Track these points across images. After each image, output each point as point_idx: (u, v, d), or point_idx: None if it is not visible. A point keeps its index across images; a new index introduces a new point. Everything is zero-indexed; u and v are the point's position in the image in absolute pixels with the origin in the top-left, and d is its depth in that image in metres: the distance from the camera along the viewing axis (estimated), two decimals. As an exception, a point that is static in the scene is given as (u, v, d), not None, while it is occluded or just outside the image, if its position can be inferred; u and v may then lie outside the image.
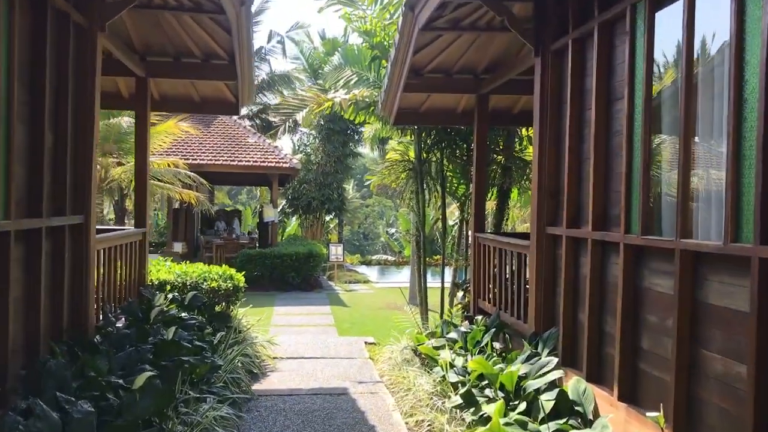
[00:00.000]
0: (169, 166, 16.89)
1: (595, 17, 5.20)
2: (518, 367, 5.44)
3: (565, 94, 5.82)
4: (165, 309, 7.23)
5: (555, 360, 5.42)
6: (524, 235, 8.09)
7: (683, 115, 3.95)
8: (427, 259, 21.78)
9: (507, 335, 6.88)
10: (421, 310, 10.35)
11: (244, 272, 18.41)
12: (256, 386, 7.03)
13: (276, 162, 20.78)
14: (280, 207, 28.12)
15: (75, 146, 5.61)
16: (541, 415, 4.78)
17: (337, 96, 9.66)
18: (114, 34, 6.99)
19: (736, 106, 3.48)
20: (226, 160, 20.54)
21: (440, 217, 10.89)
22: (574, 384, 5.06)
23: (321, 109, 9.80)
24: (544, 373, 5.37)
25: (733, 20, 3.51)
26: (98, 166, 15.70)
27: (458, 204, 10.73)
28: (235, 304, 8.66)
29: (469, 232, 10.69)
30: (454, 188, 10.59)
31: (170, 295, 7.91)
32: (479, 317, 7.36)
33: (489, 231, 9.85)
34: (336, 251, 23.39)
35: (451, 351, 6.77)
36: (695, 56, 3.98)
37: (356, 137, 28.77)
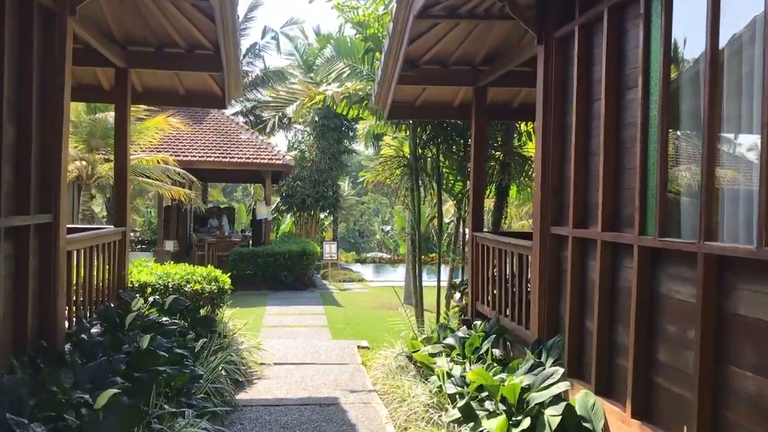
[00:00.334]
0: (158, 162, 16.46)
1: (604, 0, 4.80)
2: (521, 379, 5.03)
3: (571, 84, 5.42)
4: (144, 313, 6.81)
5: (560, 370, 5.03)
6: (525, 235, 7.69)
7: (707, 104, 3.55)
8: (423, 257, 21.44)
9: (508, 342, 6.48)
10: (417, 311, 9.95)
11: (235, 271, 18.35)
12: (240, 396, 6.62)
13: (269, 159, 20.35)
14: (275, 204, 27.72)
15: (42, 140, 5.19)
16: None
17: (330, 89, 9.24)
18: (90, 21, 6.58)
19: (771, 92, 3.08)
20: (218, 157, 20.10)
21: (436, 214, 10.49)
22: (583, 398, 4.66)
23: (313, 102, 9.39)
24: (549, 385, 4.98)
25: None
26: (84, 162, 15.35)
27: (455, 201, 10.33)
28: (220, 307, 8.24)
29: (466, 231, 10.30)
30: (450, 185, 10.19)
31: (151, 298, 7.48)
32: (478, 322, 6.95)
33: (487, 230, 9.46)
34: (330, 249, 23.00)
35: (448, 359, 6.37)
36: (720, 37, 3.57)
37: (351, 134, 28.40)
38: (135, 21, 7.16)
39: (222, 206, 33.41)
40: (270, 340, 10.23)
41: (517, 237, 7.36)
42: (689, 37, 4.01)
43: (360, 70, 10.02)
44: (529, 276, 6.28)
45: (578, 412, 4.58)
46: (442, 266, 10.43)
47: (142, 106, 15.74)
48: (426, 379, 6.36)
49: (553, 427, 4.47)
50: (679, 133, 4.16)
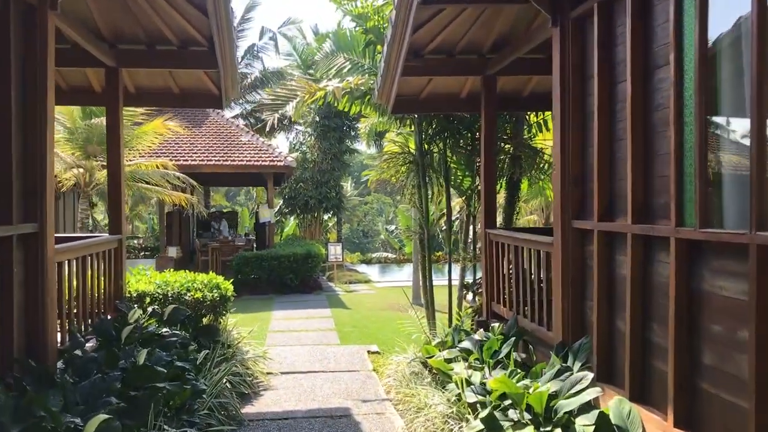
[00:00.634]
0: (157, 167, 16.13)
1: (627, -27, 4.42)
2: (548, 386, 4.65)
3: (591, 67, 5.04)
4: (143, 325, 6.45)
5: (590, 375, 4.65)
6: (542, 231, 7.34)
7: (755, 79, 3.16)
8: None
9: (529, 345, 6.09)
10: (428, 313, 9.58)
11: (240, 275, 18.02)
12: (246, 409, 6.26)
13: (270, 160, 20.01)
14: (277, 207, 27.39)
15: (24, 144, 4.83)
16: (580, 444, 4.02)
17: (330, 85, 8.86)
18: (76, 17, 6.22)
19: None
20: (219, 160, 19.77)
21: (444, 212, 10.12)
22: (617, 405, 4.27)
23: (313, 99, 9.01)
24: (579, 392, 4.60)
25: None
26: (82, 170, 15.02)
27: (463, 198, 9.95)
28: (223, 315, 7.86)
29: (475, 228, 9.93)
30: (458, 181, 9.80)
31: (150, 308, 7.12)
32: (496, 324, 6.57)
33: (499, 226, 9.07)
34: (335, 251, 22.63)
35: (466, 364, 5.99)
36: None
37: (352, 133, 28.10)
38: (124, 17, 6.81)
39: (225, 210, 33.10)
40: (277, 347, 9.88)
41: (533, 233, 6.99)
42: (729, 4, 3.63)
43: (361, 65, 9.64)
44: (549, 274, 5.90)
45: (613, 421, 4.19)
46: (452, 265, 10.04)
47: (139, 110, 15.45)
48: (443, 387, 5.98)
49: (587, 439, 4.10)
50: (719, 112, 3.77)
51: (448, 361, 6.26)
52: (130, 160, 16.12)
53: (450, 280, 9.51)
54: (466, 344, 6.56)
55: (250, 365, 7.21)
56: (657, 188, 4.18)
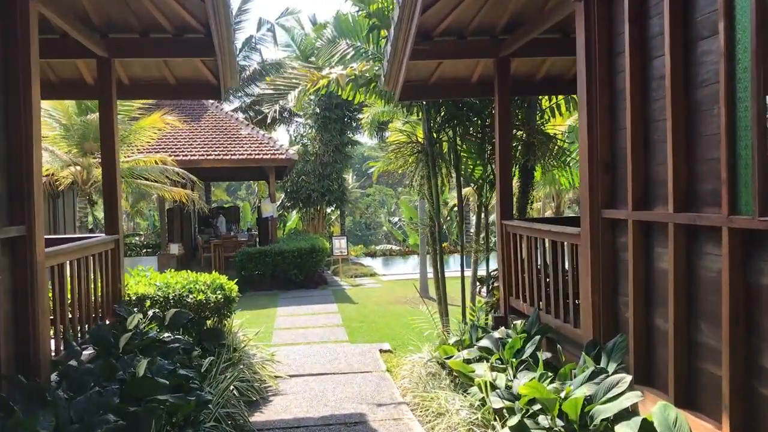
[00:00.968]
0: (156, 163, 15.74)
1: (663, -63, 4.01)
2: (583, 391, 4.28)
3: (621, 42, 4.64)
4: (143, 330, 6.08)
5: (627, 378, 4.26)
6: (559, 221, 6.96)
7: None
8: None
9: (557, 344, 5.68)
10: (440, 308, 9.20)
11: (244, 272, 17.66)
12: (255, 417, 5.89)
13: (271, 154, 19.62)
14: (279, 201, 27.05)
15: (6, 140, 4.45)
16: (624, 457, 3.64)
17: (334, 72, 8.46)
18: (64, 6, 5.81)
19: None
20: (219, 155, 19.38)
21: (456, 203, 9.73)
22: (661, 411, 3.89)
23: (316, 88, 8.62)
24: (616, 396, 4.22)
25: None
26: (79, 167, 14.63)
27: (474, 188, 9.54)
28: (228, 317, 7.48)
29: (487, 218, 9.54)
30: (469, 170, 9.41)
31: (151, 312, 6.75)
32: (518, 322, 6.18)
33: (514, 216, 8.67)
34: (340, 244, 22.29)
35: (487, 364, 5.61)
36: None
37: (354, 124, 27.75)
38: (115, 4, 6.39)
39: (226, 205, 32.77)
40: (284, 347, 9.54)
41: (553, 223, 6.61)
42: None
43: (365, 50, 9.23)
44: (576, 267, 5.52)
45: (658, 430, 3.82)
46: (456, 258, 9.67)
47: (136, 105, 15.10)
48: (464, 390, 5.61)
49: (631, 450, 3.73)
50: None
51: (468, 361, 5.88)
52: (128, 156, 15.75)
53: (463, 273, 9.13)
54: (485, 343, 6.18)
55: (257, 369, 6.85)
56: (703, 173, 3.79)
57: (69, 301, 5.65)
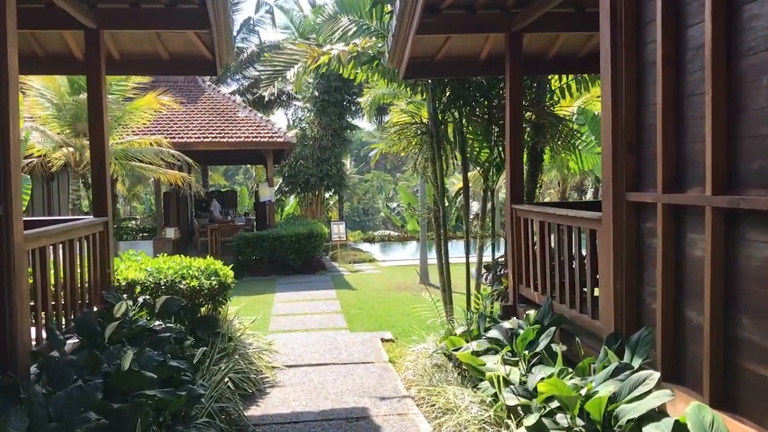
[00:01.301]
0: (151, 145, 15.34)
1: None
2: (608, 389, 3.93)
3: (651, 10, 4.26)
4: (132, 318, 5.72)
5: (656, 375, 3.93)
6: (578, 205, 6.61)
7: None
8: (430, 234, 20.38)
9: (574, 336, 5.33)
10: (444, 296, 8.85)
11: (241, 257, 17.34)
12: (251, 411, 5.56)
13: (269, 137, 19.22)
14: (277, 186, 26.69)
15: (-20, 111, 4.06)
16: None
17: (335, 48, 8.06)
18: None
19: None
20: (215, 137, 18.97)
21: (459, 187, 9.35)
22: (696, 412, 3.53)
23: (316, 65, 8.21)
24: (643, 394, 3.88)
25: None
26: (71, 149, 14.21)
27: (480, 171, 9.17)
28: (223, 305, 7.11)
29: (493, 203, 9.18)
30: (475, 153, 9.03)
31: (141, 299, 6.39)
32: (531, 312, 5.83)
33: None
34: (338, 230, 21.94)
35: (498, 357, 5.26)
36: None
37: (353, 108, 27.38)
38: (103, -30, 6.01)
39: (223, 190, 32.36)
40: (281, 334, 9.22)
41: (569, 207, 6.25)
42: None
43: (367, 27, 8.83)
44: (594, 254, 5.17)
45: (692, 432, 3.48)
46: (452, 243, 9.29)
47: (130, 85, 14.68)
48: (473, 385, 5.27)
49: (663, 455, 3.39)
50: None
51: (477, 354, 5.53)
52: (122, 138, 15.35)
53: (468, 259, 8.78)
54: (494, 333, 5.84)
55: (253, 359, 6.50)
56: (748, 151, 3.42)
57: (53, 287, 5.29)
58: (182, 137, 18.50)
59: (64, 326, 5.43)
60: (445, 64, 7.72)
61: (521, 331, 5.60)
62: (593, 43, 7.51)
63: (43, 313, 5.09)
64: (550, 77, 8.90)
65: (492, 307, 7.34)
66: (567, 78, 8.87)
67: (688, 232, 3.95)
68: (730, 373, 3.58)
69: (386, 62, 7.57)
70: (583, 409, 4.00)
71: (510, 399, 4.47)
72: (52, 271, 5.28)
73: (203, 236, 20.36)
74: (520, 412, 4.43)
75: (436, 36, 7.04)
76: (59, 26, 6.50)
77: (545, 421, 4.11)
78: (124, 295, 6.37)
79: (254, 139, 19.08)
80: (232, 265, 7.41)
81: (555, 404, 4.26)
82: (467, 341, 5.91)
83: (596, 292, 5.23)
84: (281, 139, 19.22)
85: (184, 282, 6.65)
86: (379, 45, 8.32)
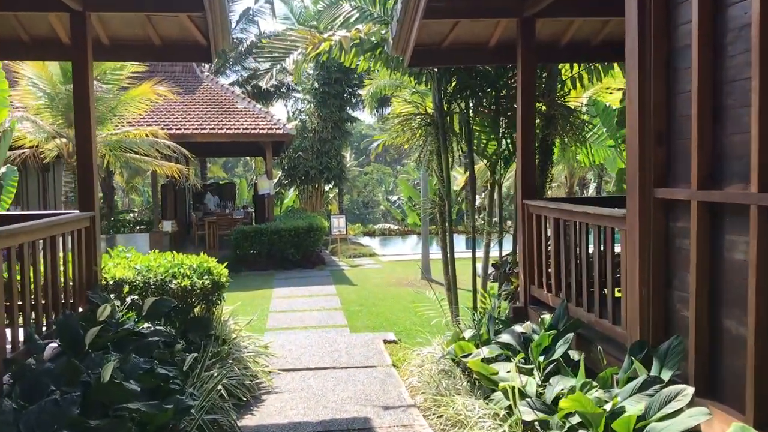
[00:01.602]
0: (147, 136, 14.95)
1: None
2: (638, 407, 3.56)
3: (685, -12, 3.87)
4: (119, 321, 5.35)
5: (689, 390, 3.56)
6: (597, 201, 6.25)
7: None
8: (433, 227, 20.00)
9: (593, 344, 4.94)
10: (449, 295, 8.47)
11: (239, 251, 16.98)
12: (245, 421, 5.19)
13: (268, 128, 18.81)
14: (277, 178, 26.32)
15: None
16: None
17: (337, 34, 7.66)
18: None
19: None
20: (213, 129, 18.56)
21: (465, 181, 8.97)
22: (738, 435, 3.18)
23: (317, 52, 7.81)
24: (675, 412, 3.51)
25: None
26: (64, 140, 13.82)
27: (487, 164, 8.77)
28: (217, 305, 6.73)
29: (501, 197, 8.80)
30: (482, 146, 8.64)
31: (130, 299, 6.01)
32: (547, 316, 5.44)
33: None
34: (338, 224, 21.56)
35: (510, 365, 4.88)
36: None
37: (354, 100, 27.01)
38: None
39: (222, 182, 31.98)
40: (279, 333, 8.87)
41: (584, 203, 5.87)
42: None
43: (370, 13, 8.42)
44: (616, 255, 4.80)
45: (734, 458, 3.12)
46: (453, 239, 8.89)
47: (125, 74, 14.29)
48: (484, 394, 4.90)
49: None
50: None
51: (488, 361, 5.16)
52: (117, 128, 14.96)
53: (474, 256, 8.40)
54: (505, 338, 5.47)
55: (249, 363, 6.13)
56: (801, 143, 3.04)
57: (33, 287, 4.91)
58: (179, 128, 18.10)
59: (45, 329, 5.06)
60: (452, 52, 7.32)
61: (535, 337, 5.23)
62: (608, 30, 7.12)
63: (21, 315, 4.72)
64: (560, 67, 8.50)
65: (500, 307, 6.97)
66: (579, 68, 8.47)
67: (727, 234, 3.57)
68: (777, 391, 3.21)
69: (390, 49, 7.17)
70: (609, 426, 3.63)
71: (527, 413, 4.09)
72: (32, 270, 4.90)
73: (201, 229, 19.99)
74: (538, 428, 4.07)
75: (444, 21, 6.64)
76: (43, 8, 6.10)
77: (566, 439, 3.74)
78: (112, 295, 6.00)
79: (253, 131, 18.69)
80: (226, 263, 7.02)
81: (576, 419, 3.89)
82: (477, 346, 5.53)
83: (616, 293, 4.87)
84: (281, 131, 18.82)
85: (175, 281, 6.25)
86: (383, 32, 7.92)
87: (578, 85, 8.63)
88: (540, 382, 4.61)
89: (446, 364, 5.81)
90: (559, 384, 4.26)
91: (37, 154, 14.15)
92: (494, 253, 8.79)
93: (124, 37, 7.09)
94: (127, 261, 6.70)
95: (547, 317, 5.35)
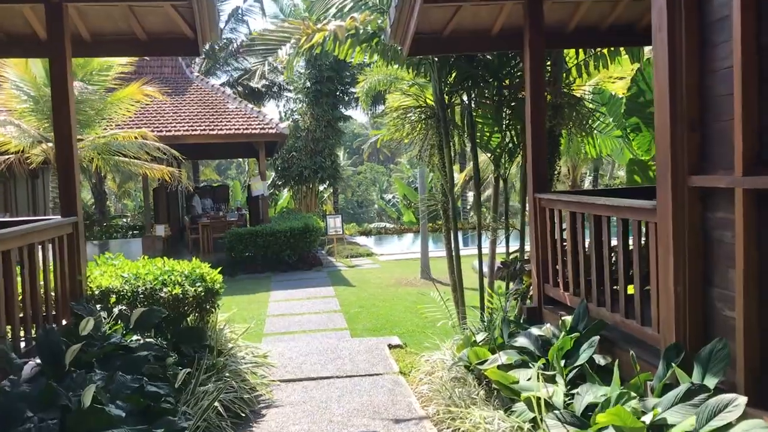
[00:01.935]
0: (135, 138, 14.51)
1: None
2: (690, 420, 3.18)
3: (721, -47, 3.49)
4: (105, 334, 4.94)
5: (741, 400, 3.18)
6: (614, 192, 5.89)
7: None
8: (430, 225, 19.58)
9: (615, 345, 4.56)
10: (455, 296, 8.09)
11: (233, 254, 16.59)
12: (244, 440, 4.80)
13: (261, 128, 18.41)
14: (270, 179, 25.93)
15: None
16: None
17: (331, 24, 7.27)
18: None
19: None
20: (205, 130, 18.14)
21: (465, 178, 8.58)
22: (804, 453, 2.81)
23: (311, 44, 7.42)
24: (726, 425, 3.14)
25: None
26: (51, 144, 13.37)
27: (491, 157, 8.40)
28: (211, 313, 6.32)
29: (506, 192, 8.41)
30: (485, 139, 8.26)
31: (117, 309, 5.60)
32: (567, 318, 5.06)
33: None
34: (334, 223, 21.15)
35: (534, 372, 4.49)
36: None
37: (346, 98, 26.69)
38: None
39: (215, 184, 31.56)
40: (277, 339, 8.51)
41: (601, 195, 5.49)
42: None
43: (365, 2, 8.03)
44: (643, 249, 4.42)
45: (802, 479, 2.74)
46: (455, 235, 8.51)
47: (111, 74, 13.87)
48: (505, 407, 4.50)
49: None
50: None
51: (506, 367, 4.77)
52: (105, 131, 14.52)
53: (480, 254, 8.02)
54: (522, 342, 5.09)
55: (246, 375, 5.73)
56: None
57: (19, 300, 4.50)
58: (170, 130, 17.70)
59: (24, 346, 4.66)
60: (453, 40, 6.92)
61: (555, 340, 4.86)
62: (617, 14, 6.75)
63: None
64: (564, 54, 8.12)
65: (512, 307, 6.59)
66: (585, 54, 8.09)
67: (780, 224, 3.19)
68: None
69: (388, 38, 6.78)
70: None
71: (555, 427, 3.70)
72: (3, 282, 4.49)
73: (194, 233, 19.58)
74: (568, 444, 3.68)
75: (445, 6, 6.25)
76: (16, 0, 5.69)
77: (604, 458, 3.36)
78: (98, 306, 5.59)
79: (245, 131, 18.29)
80: (220, 268, 6.61)
81: (611, 433, 3.51)
82: (492, 352, 5.14)
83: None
84: (274, 131, 18.42)
85: (165, 289, 5.84)
86: (379, 21, 7.53)
87: (584, 73, 8.26)
88: (565, 390, 4.23)
89: (458, 371, 5.42)
90: (589, 393, 3.88)
91: (23, 159, 13.69)
92: (500, 249, 8.42)
93: (105, 32, 6.67)
94: (115, 268, 6.29)
95: (568, 318, 4.97)
